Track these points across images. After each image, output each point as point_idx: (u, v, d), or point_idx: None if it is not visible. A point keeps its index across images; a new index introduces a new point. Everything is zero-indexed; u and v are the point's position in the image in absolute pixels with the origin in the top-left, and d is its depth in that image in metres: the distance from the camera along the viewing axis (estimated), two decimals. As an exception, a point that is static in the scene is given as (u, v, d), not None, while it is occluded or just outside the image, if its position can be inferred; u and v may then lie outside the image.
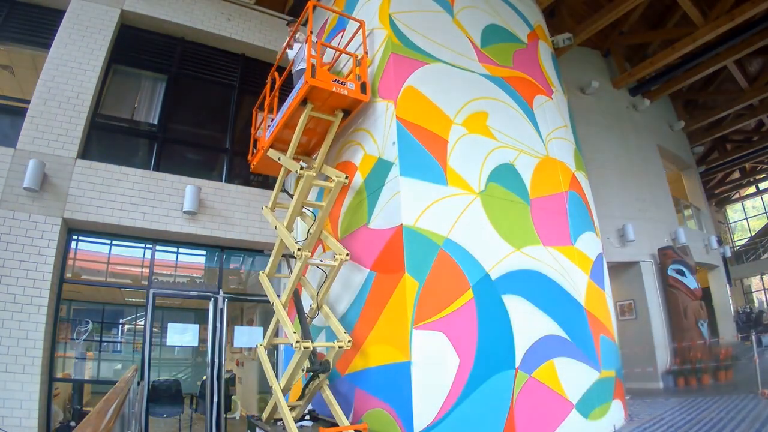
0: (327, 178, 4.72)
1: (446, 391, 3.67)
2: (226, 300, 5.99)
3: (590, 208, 5.99)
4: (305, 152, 5.46)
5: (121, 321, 7.11)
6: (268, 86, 5.67)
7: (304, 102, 4.47)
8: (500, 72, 5.54)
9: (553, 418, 4.26)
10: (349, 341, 3.96)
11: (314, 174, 4.29)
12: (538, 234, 4.91)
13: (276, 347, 6.06)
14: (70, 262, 5.37)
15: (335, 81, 4.41)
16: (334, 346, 3.92)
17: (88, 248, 5.67)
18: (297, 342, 3.70)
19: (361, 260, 4.49)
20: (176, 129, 6.67)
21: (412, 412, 3.46)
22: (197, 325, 6.29)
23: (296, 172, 4.26)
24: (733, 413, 5.20)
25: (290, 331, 3.86)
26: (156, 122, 6.40)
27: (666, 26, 9.88)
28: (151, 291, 5.60)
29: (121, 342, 6.91)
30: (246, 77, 7.30)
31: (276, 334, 4.91)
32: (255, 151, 5.79)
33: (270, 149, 5.09)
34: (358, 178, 4.83)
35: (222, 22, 7.08)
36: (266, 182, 6.76)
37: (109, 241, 5.71)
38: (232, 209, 6.15)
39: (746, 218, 20.62)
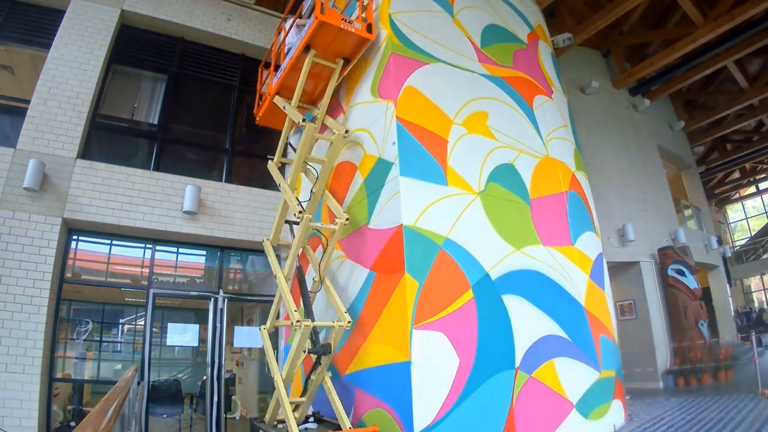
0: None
1: (446, 391, 3.67)
2: (226, 300, 5.99)
3: (590, 208, 5.99)
4: (311, 101, 5.60)
5: (121, 321, 7.11)
6: (275, 38, 5.88)
7: (307, 49, 4.62)
8: (500, 72, 5.54)
9: (553, 418, 4.26)
10: (349, 321, 3.94)
11: (316, 126, 4.38)
12: (538, 234, 4.91)
13: (276, 348, 6.06)
14: (70, 262, 5.38)
15: (343, 20, 4.53)
16: (334, 325, 3.92)
17: (88, 248, 5.67)
18: (297, 321, 3.68)
19: (361, 260, 4.48)
20: (176, 129, 6.67)
21: (412, 412, 3.46)
22: (197, 325, 6.29)
23: (299, 123, 4.36)
24: (733, 413, 5.20)
25: (291, 308, 3.84)
26: (156, 122, 6.41)
27: (666, 26, 9.87)
28: (151, 291, 5.60)
29: (121, 342, 6.91)
30: (246, 77, 7.30)
31: (278, 316, 4.88)
32: (261, 104, 5.91)
33: (277, 97, 5.25)
34: (358, 178, 4.83)
35: (222, 22, 7.09)
36: (266, 182, 6.75)
37: (109, 241, 5.71)
38: (232, 209, 6.15)
39: (746, 218, 20.63)
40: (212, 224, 5.94)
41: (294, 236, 4.93)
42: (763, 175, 17.94)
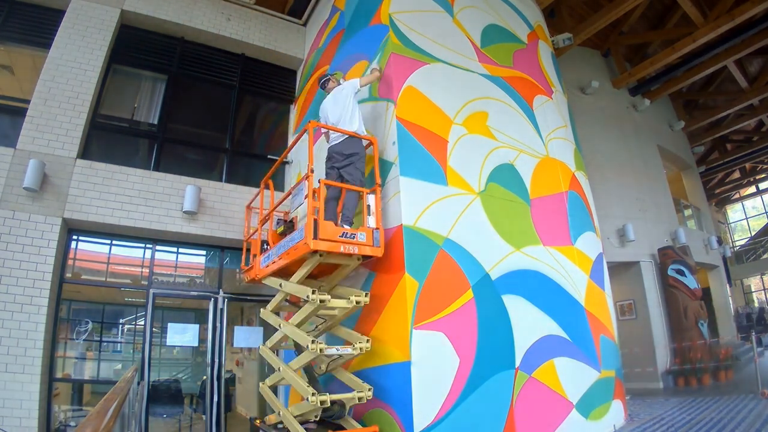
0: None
1: (446, 391, 3.67)
2: (226, 300, 5.98)
3: (590, 208, 6.00)
4: (311, 276, 4.35)
5: (121, 321, 7.10)
6: (262, 189, 5.07)
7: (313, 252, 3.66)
8: (500, 72, 5.55)
9: (553, 418, 4.27)
10: (369, 389, 3.59)
11: (328, 298, 3.55)
12: (538, 234, 4.91)
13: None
14: (70, 262, 5.37)
15: (343, 235, 3.67)
16: (354, 397, 3.55)
17: (88, 248, 5.66)
18: (313, 395, 3.35)
19: (361, 260, 4.47)
20: (176, 129, 6.67)
21: (412, 412, 3.46)
22: (197, 325, 6.28)
23: (306, 297, 3.59)
24: (733, 413, 5.20)
25: (304, 388, 3.53)
26: (156, 122, 6.40)
27: (666, 26, 9.88)
28: (151, 291, 5.60)
29: (121, 342, 6.90)
30: (246, 77, 7.30)
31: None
32: (249, 264, 4.97)
33: (269, 278, 4.43)
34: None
35: (222, 22, 7.08)
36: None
37: (109, 241, 5.70)
38: (232, 209, 6.15)
39: (746, 218, 20.63)
40: (212, 224, 5.94)
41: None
42: (763, 175, 17.94)
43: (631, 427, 4.91)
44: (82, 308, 6.19)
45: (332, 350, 3.65)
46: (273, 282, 4.33)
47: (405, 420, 3.51)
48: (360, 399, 3.57)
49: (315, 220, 3.57)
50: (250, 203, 5.76)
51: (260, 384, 4.47)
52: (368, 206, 3.98)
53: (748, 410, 5.30)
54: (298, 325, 3.89)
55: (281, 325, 4.14)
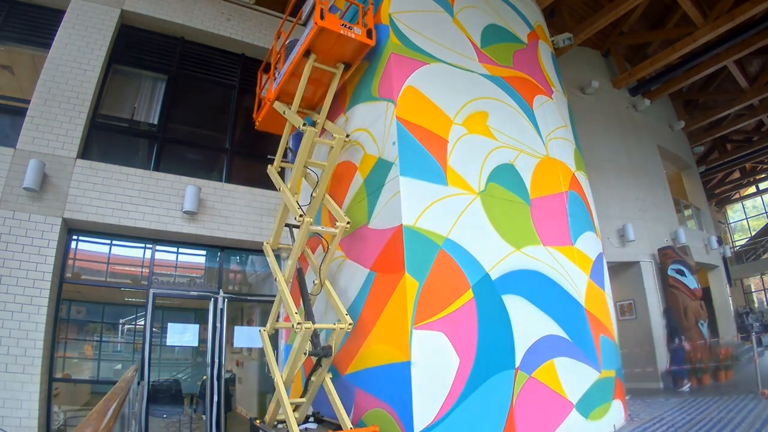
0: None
1: (446, 391, 3.67)
2: (226, 300, 5.99)
3: (590, 208, 5.99)
4: (311, 106, 5.53)
5: (121, 321, 7.11)
6: (275, 42, 5.79)
7: (307, 54, 4.58)
8: (500, 72, 5.54)
9: (553, 418, 4.26)
10: (350, 324, 3.92)
11: (317, 130, 4.33)
12: (538, 234, 4.91)
13: (276, 347, 6.06)
14: (70, 262, 5.37)
15: (342, 26, 4.50)
16: (335, 327, 3.90)
17: (88, 248, 5.66)
18: (298, 323, 3.66)
19: (361, 260, 4.48)
20: (176, 129, 6.67)
21: (412, 412, 3.46)
22: (197, 325, 6.29)
23: (299, 127, 4.32)
24: (733, 413, 5.20)
25: (292, 311, 3.82)
26: (156, 122, 6.40)
27: (666, 26, 9.88)
28: (151, 291, 5.60)
29: (121, 342, 6.90)
30: (246, 77, 7.30)
31: (278, 318, 4.91)
32: (260, 109, 5.85)
33: (276, 102, 5.18)
34: (358, 178, 4.83)
35: (222, 22, 7.08)
36: (266, 182, 6.75)
37: (109, 241, 5.70)
38: (232, 209, 6.15)
39: (746, 218, 20.64)
40: (212, 224, 5.94)
41: (294, 240, 4.95)
42: (763, 175, 17.95)
43: (631, 427, 4.91)
44: (82, 308, 6.20)
45: (317, 227, 4.39)
46: (279, 107, 5.05)
47: (405, 420, 3.51)
48: (341, 328, 3.88)
49: (321, 9, 4.33)
50: (262, 67, 6.25)
51: (260, 330, 4.69)
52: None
53: (748, 410, 5.30)
54: (297, 169, 4.59)
55: (280, 188, 4.70)
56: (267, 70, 6.03)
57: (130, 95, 6.57)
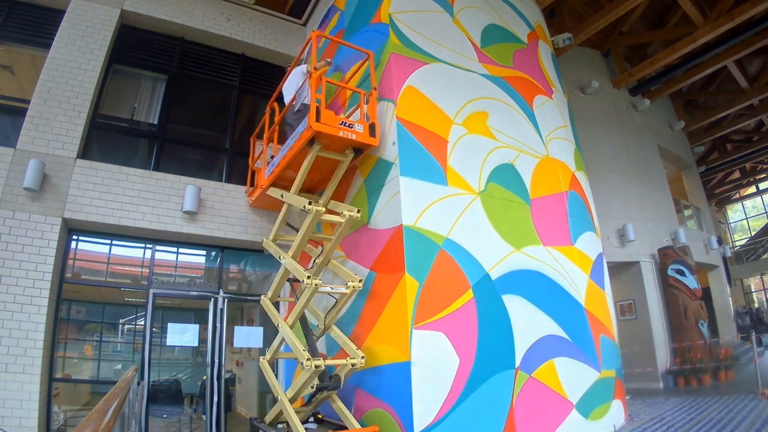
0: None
1: (446, 391, 3.67)
2: (226, 300, 5.98)
3: (590, 208, 6.00)
4: (308, 189, 5.20)
5: (121, 321, 7.10)
6: (266, 116, 5.38)
7: (311, 141, 4.15)
8: (500, 72, 5.55)
9: (553, 418, 4.26)
10: (362, 357, 3.78)
11: (323, 210, 3.96)
12: (538, 234, 4.91)
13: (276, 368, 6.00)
14: (70, 262, 5.37)
15: (342, 124, 4.11)
16: (347, 363, 3.75)
17: (88, 248, 5.66)
18: (308, 360, 3.52)
19: (361, 260, 4.48)
20: (176, 129, 6.66)
21: (412, 412, 3.46)
22: (197, 325, 6.28)
23: (303, 208, 3.94)
24: (733, 413, 5.20)
25: (300, 350, 3.68)
26: (156, 122, 6.40)
27: (666, 26, 9.88)
28: (151, 291, 5.60)
29: (121, 342, 6.90)
30: (246, 77, 7.30)
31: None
32: (253, 185, 5.52)
33: (271, 188, 4.83)
34: (358, 178, 4.83)
35: (222, 22, 7.08)
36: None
37: (109, 241, 5.70)
38: (232, 209, 6.15)
39: (746, 218, 20.63)
40: (212, 224, 5.94)
41: (294, 292, 4.88)
42: (763, 175, 17.95)
43: (631, 427, 4.91)
44: (82, 308, 6.20)
45: (327, 288, 3.99)
46: (275, 192, 4.72)
47: (405, 420, 3.51)
48: (353, 365, 3.71)
49: (317, 108, 3.93)
50: (255, 133, 5.96)
51: (260, 359, 4.55)
52: (365, 105, 4.41)
53: (748, 410, 5.30)
54: (300, 243, 4.23)
55: (281, 257, 4.37)
56: (260, 135, 5.71)
57: (130, 95, 6.57)
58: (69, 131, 5.44)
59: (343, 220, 4.07)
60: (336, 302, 4.36)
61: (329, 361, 3.80)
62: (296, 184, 4.43)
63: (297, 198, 4.25)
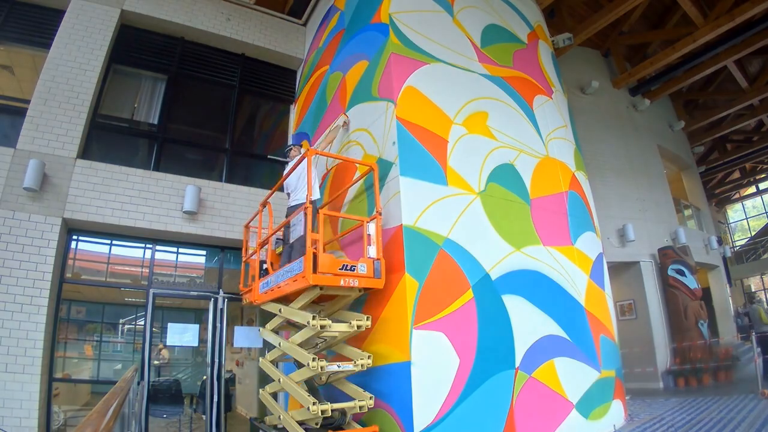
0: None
1: (446, 391, 3.67)
2: (226, 300, 5.98)
3: (590, 208, 6.00)
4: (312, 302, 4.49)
5: (121, 321, 7.10)
6: (260, 210, 4.86)
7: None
8: (500, 72, 5.55)
9: (553, 418, 4.26)
10: (371, 398, 3.58)
11: (329, 324, 3.52)
12: (538, 234, 4.91)
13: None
14: (70, 262, 5.37)
15: (343, 267, 3.55)
16: (354, 406, 3.55)
17: (88, 248, 5.66)
18: (314, 404, 3.33)
19: (361, 260, 4.47)
20: (176, 129, 6.67)
21: (412, 412, 3.46)
22: (197, 325, 6.28)
23: (306, 323, 3.54)
24: (733, 413, 5.20)
25: (305, 398, 3.50)
26: (156, 122, 6.40)
27: (666, 26, 9.88)
28: (151, 291, 5.60)
29: (121, 342, 6.90)
30: (246, 77, 7.30)
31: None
32: (247, 284, 5.03)
33: (269, 303, 4.36)
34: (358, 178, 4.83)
35: (222, 22, 7.08)
36: (266, 182, 6.75)
37: (109, 241, 5.70)
38: (232, 209, 6.15)
39: (746, 218, 20.62)
40: (212, 224, 5.94)
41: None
42: (763, 175, 17.93)
43: (631, 427, 4.91)
44: (82, 308, 6.20)
45: (333, 367, 3.57)
46: (272, 307, 4.23)
47: (405, 420, 3.51)
48: (361, 408, 3.54)
49: (314, 254, 3.43)
50: (248, 223, 5.37)
51: (260, 390, 4.46)
52: (368, 235, 3.85)
53: (748, 410, 5.30)
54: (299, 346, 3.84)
55: (281, 344, 4.11)
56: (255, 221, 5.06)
57: (130, 95, 6.57)
58: (69, 131, 5.44)
59: (351, 330, 3.64)
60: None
61: (338, 405, 3.53)
62: (296, 307, 3.91)
63: (298, 313, 3.79)
